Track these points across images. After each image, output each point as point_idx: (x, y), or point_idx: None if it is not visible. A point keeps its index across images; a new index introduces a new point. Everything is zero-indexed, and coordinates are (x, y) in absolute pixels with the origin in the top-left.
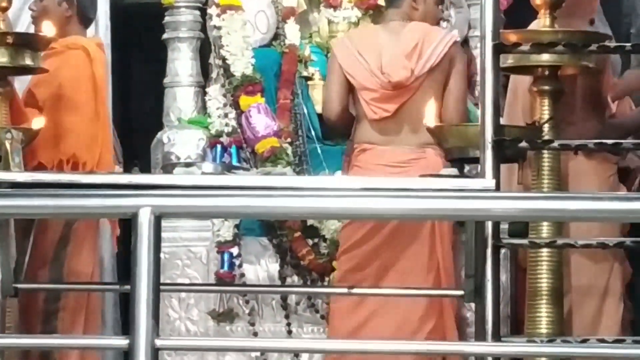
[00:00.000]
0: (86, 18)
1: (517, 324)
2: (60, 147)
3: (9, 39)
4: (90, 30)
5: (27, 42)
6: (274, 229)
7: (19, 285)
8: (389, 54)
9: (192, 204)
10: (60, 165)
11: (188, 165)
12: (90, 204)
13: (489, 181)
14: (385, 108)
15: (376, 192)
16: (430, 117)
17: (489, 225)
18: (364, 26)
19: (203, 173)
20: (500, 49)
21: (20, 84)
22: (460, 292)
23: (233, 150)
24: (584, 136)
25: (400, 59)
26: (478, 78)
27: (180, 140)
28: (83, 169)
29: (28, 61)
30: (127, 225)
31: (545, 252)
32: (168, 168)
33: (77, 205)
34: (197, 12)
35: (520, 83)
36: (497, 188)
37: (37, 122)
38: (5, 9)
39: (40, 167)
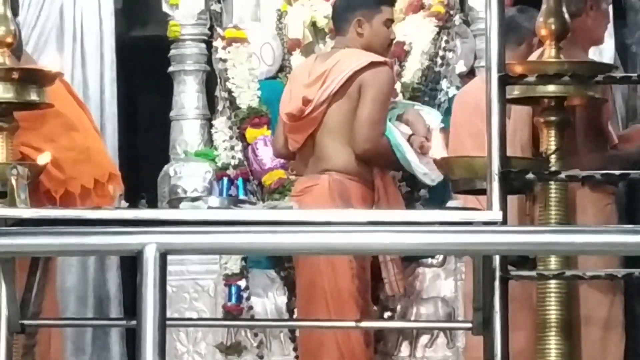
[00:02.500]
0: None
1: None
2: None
3: (14, 75)
4: (96, 65)
5: (33, 78)
6: (281, 262)
7: (26, 322)
8: (295, 85)
9: (198, 240)
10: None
11: (194, 199)
12: (96, 241)
13: (496, 213)
14: (295, 139)
15: (382, 227)
16: (436, 147)
17: (497, 257)
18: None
19: (209, 207)
20: (506, 80)
21: None
22: (469, 325)
23: (240, 182)
24: (585, 166)
25: (299, 90)
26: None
27: (187, 173)
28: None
29: (34, 97)
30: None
31: (553, 283)
32: (174, 203)
33: (83, 243)
34: (203, 45)
35: (516, 113)
36: (505, 220)
37: (43, 157)
38: (10, 45)
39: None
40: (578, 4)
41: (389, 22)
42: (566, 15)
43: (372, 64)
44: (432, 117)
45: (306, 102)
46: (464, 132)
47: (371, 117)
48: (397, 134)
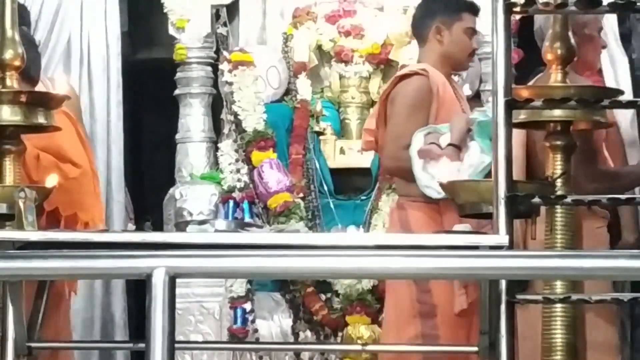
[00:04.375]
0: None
1: None
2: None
3: (22, 98)
4: (102, 87)
5: (40, 101)
6: (287, 284)
7: (32, 345)
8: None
9: (207, 264)
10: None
11: (201, 222)
12: (105, 265)
13: (502, 237)
14: None
15: (389, 251)
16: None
17: (503, 281)
18: None
19: (216, 231)
20: (512, 104)
21: None
22: (475, 349)
23: (245, 205)
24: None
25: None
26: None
27: (193, 195)
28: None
29: (41, 119)
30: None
31: (559, 307)
32: (181, 226)
33: (92, 266)
34: (209, 68)
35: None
36: (511, 244)
37: (51, 179)
38: (18, 68)
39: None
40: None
41: (470, 31)
42: (572, 40)
43: (401, 78)
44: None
45: (367, 132)
46: None
47: (392, 132)
48: (415, 144)
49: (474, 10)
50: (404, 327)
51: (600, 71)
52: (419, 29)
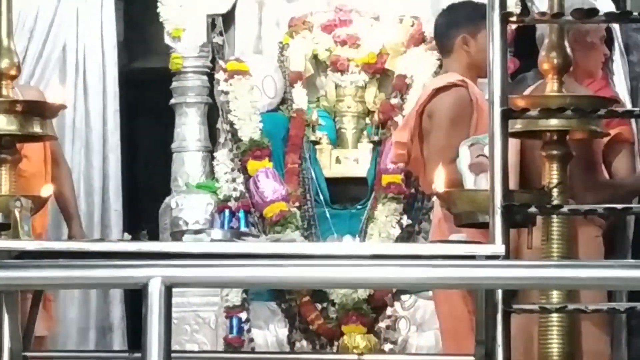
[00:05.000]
0: None
1: None
2: None
3: (18, 107)
4: (98, 97)
5: (36, 110)
6: (283, 294)
7: (28, 354)
8: None
9: (203, 274)
10: None
11: (197, 232)
12: (101, 275)
13: (498, 247)
14: None
15: (385, 261)
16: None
17: (499, 290)
18: None
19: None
20: (508, 114)
21: None
22: (471, 358)
23: (241, 215)
24: (577, 195)
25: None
26: None
27: (189, 205)
28: None
29: (37, 129)
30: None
31: (555, 317)
32: (177, 235)
33: (88, 276)
34: (205, 77)
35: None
36: (507, 254)
37: (46, 189)
38: (13, 77)
39: None
40: (577, 37)
41: None
42: (568, 50)
43: (438, 91)
44: None
45: (398, 145)
46: None
47: (436, 147)
48: (463, 158)
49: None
50: (466, 337)
51: (605, 77)
52: (444, 41)
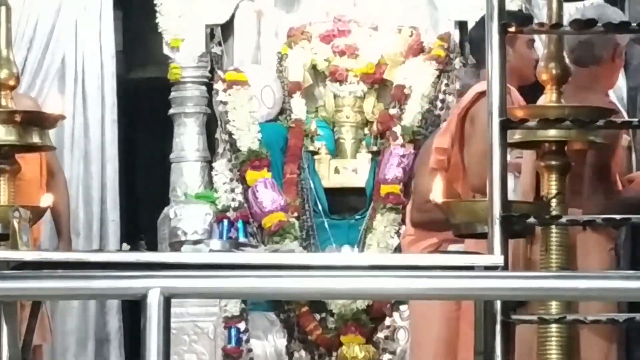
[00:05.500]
0: None
1: None
2: None
3: (17, 117)
4: (97, 107)
5: (35, 121)
6: (281, 304)
7: None
8: None
9: (202, 285)
10: None
11: (196, 242)
12: (99, 285)
13: (497, 257)
14: None
15: (384, 272)
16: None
17: (498, 301)
18: None
19: (211, 250)
20: (507, 124)
21: None
22: None
23: (240, 225)
24: (590, 209)
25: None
26: None
27: (187, 215)
28: None
29: (36, 139)
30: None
31: (554, 327)
32: (176, 245)
33: (86, 287)
34: (204, 88)
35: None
36: (506, 264)
37: (46, 199)
38: (12, 88)
39: None
40: (608, 51)
41: (531, 42)
42: (567, 60)
43: (481, 94)
44: None
45: (439, 151)
46: None
47: (478, 151)
48: None
49: (531, 21)
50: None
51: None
52: (482, 49)
